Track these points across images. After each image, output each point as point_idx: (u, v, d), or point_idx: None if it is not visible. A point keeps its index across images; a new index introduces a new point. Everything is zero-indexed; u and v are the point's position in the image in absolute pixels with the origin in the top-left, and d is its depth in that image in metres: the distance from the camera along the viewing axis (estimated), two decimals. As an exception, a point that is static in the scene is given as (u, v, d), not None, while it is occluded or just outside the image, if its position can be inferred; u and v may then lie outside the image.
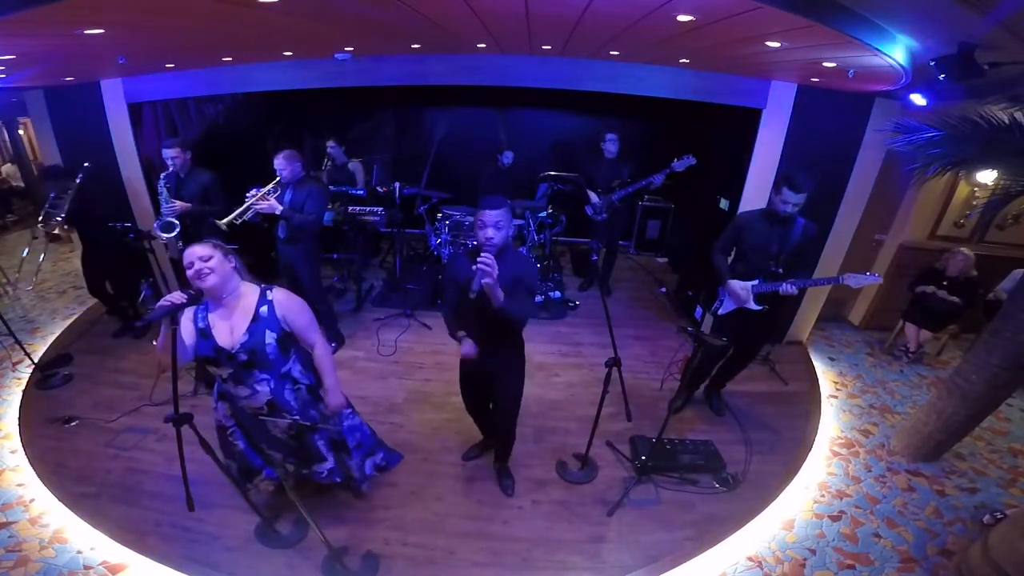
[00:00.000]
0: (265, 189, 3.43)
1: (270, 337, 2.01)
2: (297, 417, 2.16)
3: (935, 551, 2.64)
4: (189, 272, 1.91)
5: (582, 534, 2.65)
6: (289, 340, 2.11)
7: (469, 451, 3.12)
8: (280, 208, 3.41)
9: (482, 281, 2.04)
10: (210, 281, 1.91)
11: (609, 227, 4.98)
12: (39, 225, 3.80)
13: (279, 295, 2.08)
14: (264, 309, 2.02)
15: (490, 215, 2.13)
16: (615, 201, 4.77)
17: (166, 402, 3.33)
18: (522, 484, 2.93)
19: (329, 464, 2.36)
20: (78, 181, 3.77)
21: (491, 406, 2.72)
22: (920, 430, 3.24)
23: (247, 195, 3.43)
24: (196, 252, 1.92)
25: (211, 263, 1.91)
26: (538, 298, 4.76)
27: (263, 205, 3.39)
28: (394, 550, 2.50)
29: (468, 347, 2.34)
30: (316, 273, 3.86)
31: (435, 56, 3.96)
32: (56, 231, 3.78)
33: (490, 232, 2.13)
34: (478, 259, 2.00)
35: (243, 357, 1.98)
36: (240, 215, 3.41)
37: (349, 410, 2.42)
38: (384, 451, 2.66)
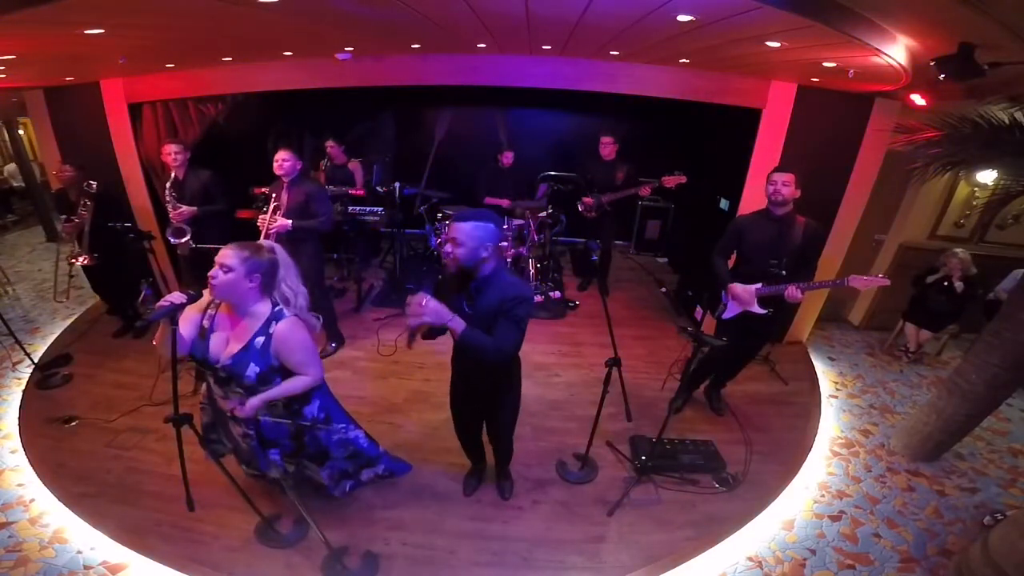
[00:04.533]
0: (271, 210, 3.44)
1: (251, 370, 1.92)
2: (286, 421, 2.15)
3: (935, 551, 2.64)
4: (211, 271, 1.87)
5: (582, 534, 2.65)
6: (274, 374, 1.99)
7: (467, 485, 2.88)
8: (290, 224, 3.41)
9: (410, 323, 1.86)
10: (217, 293, 1.88)
11: (600, 227, 4.97)
12: (71, 261, 3.90)
13: (282, 329, 1.93)
14: (259, 340, 1.92)
15: (451, 227, 1.93)
16: (604, 203, 4.77)
17: (166, 402, 3.32)
18: (522, 484, 2.93)
19: (273, 475, 2.33)
20: (91, 203, 3.78)
21: (485, 424, 2.62)
22: (920, 430, 3.24)
23: (259, 224, 3.44)
24: (222, 257, 1.85)
25: (228, 276, 1.83)
26: (537, 298, 4.76)
27: (277, 227, 3.40)
28: (394, 550, 2.50)
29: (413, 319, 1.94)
30: (321, 273, 3.86)
31: (435, 56, 3.96)
32: (86, 261, 3.86)
33: (448, 247, 1.95)
34: (410, 299, 1.83)
35: (222, 374, 1.96)
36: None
37: (344, 424, 2.38)
38: (387, 463, 2.61)
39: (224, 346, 1.94)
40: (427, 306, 1.83)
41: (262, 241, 1.99)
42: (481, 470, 2.93)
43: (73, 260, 3.89)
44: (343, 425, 2.38)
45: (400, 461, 2.69)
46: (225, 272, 1.83)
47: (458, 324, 1.91)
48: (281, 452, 2.24)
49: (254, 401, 1.97)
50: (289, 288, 1.99)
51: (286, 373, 2.03)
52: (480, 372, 2.23)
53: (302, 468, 2.41)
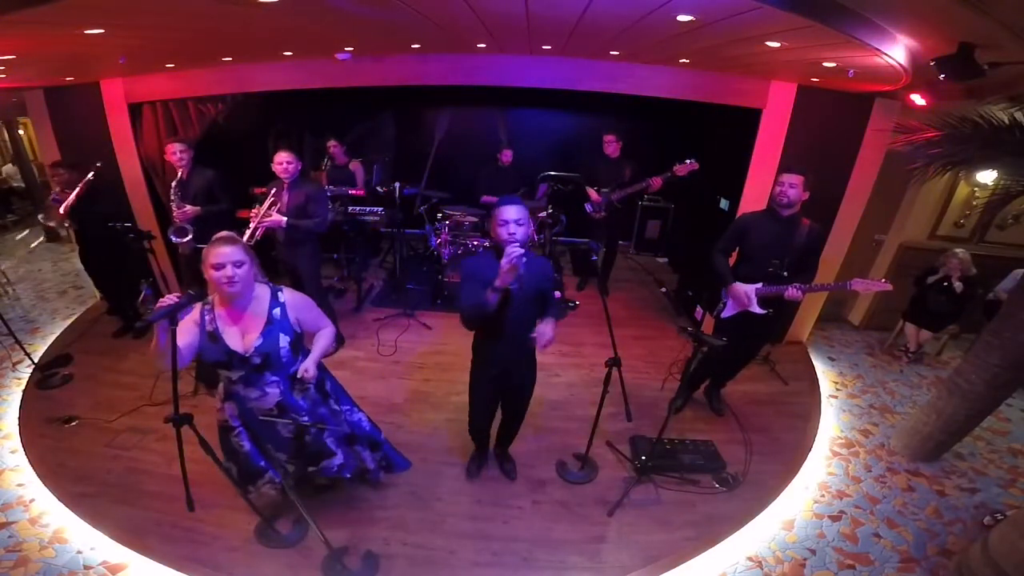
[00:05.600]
0: (266, 205, 3.43)
1: (284, 340, 2.01)
2: (307, 419, 2.16)
3: (935, 551, 2.64)
4: (217, 273, 1.85)
5: (582, 534, 2.65)
6: (300, 341, 2.12)
7: (471, 467, 2.98)
8: (284, 220, 3.41)
9: (513, 260, 2.02)
10: (237, 288, 1.89)
11: (607, 226, 4.97)
12: (40, 216, 3.81)
13: (288, 296, 2.08)
14: (277, 312, 2.02)
15: (512, 210, 2.12)
16: (614, 201, 4.76)
17: (166, 402, 3.32)
18: (522, 484, 2.93)
19: (339, 459, 2.36)
20: (84, 181, 3.77)
21: (509, 404, 2.77)
22: (920, 430, 3.24)
23: (251, 215, 3.44)
24: (230, 255, 1.85)
25: (243, 270, 1.88)
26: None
27: (269, 222, 3.40)
28: (394, 550, 2.50)
29: (514, 251, 2.05)
30: (318, 274, 3.86)
31: (435, 56, 3.96)
32: (55, 223, 3.80)
33: (512, 227, 2.11)
34: (508, 249, 2.02)
35: (256, 360, 1.97)
36: (252, 236, 3.37)
37: (348, 406, 2.42)
38: (387, 450, 2.63)
39: (241, 338, 1.96)
40: (548, 336, 2.27)
41: (221, 233, 1.97)
42: (484, 455, 3.00)
43: (48, 220, 3.80)
44: (348, 407, 2.42)
45: (400, 454, 2.70)
46: (240, 266, 1.88)
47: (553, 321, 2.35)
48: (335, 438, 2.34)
49: (309, 362, 2.05)
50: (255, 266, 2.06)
51: (301, 344, 2.14)
52: (521, 358, 2.47)
53: (354, 458, 2.48)
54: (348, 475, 2.45)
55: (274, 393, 2.07)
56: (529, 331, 2.30)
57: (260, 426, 2.19)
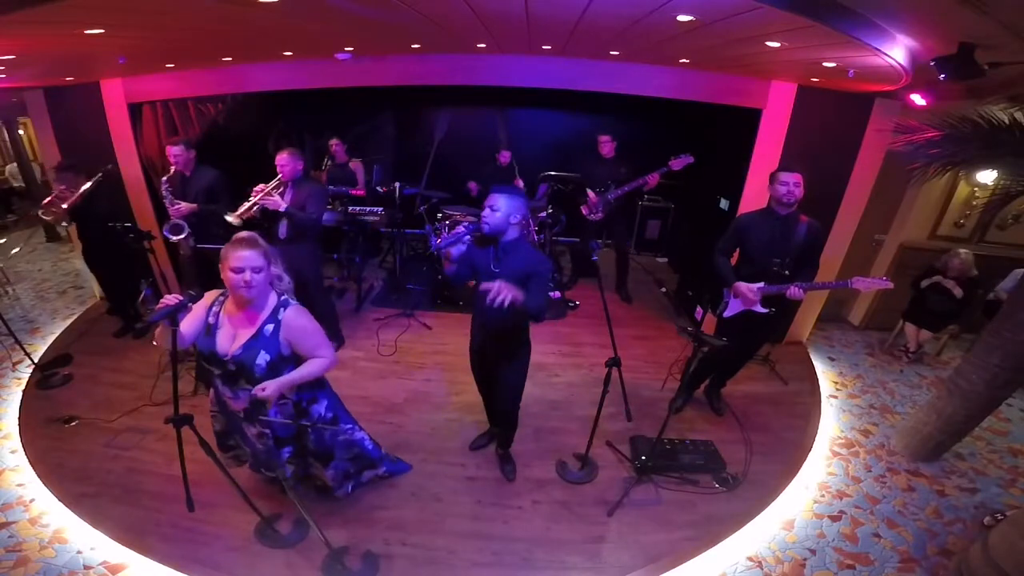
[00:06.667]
0: (270, 185, 3.43)
1: (262, 358, 1.93)
2: (289, 421, 2.15)
3: (935, 551, 2.64)
4: (235, 277, 1.82)
5: (582, 534, 2.65)
6: (283, 363, 2.00)
7: (476, 440, 3.19)
8: (284, 205, 3.41)
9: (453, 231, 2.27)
10: (253, 294, 1.87)
11: (607, 227, 4.95)
12: (39, 212, 3.77)
13: (290, 315, 1.97)
14: (269, 328, 1.95)
15: (492, 196, 2.26)
16: (611, 200, 4.76)
17: (166, 402, 3.33)
18: (522, 484, 2.93)
19: (285, 476, 2.33)
20: (94, 180, 3.78)
21: (493, 390, 2.81)
22: (920, 430, 3.24)
23: (253, 191, 3.42)
24: (249, 259, 1.83)
25: (260, 276, 1.86)
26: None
27: (268, 201, 3.39)
28: (394, 550, 2.50)
29: (458, 228, 2.39)
30: (320, 274, 3.85)
31: (435, 56, 3.96)
32: (53, 219, 3.81)
33: (486, 211, 2.25)
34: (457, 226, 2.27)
35: (231, 367, 1.95)
36: (247, 210, 3.40)
37: (350, 425, 2.41)
38: (388, 465, 2.65)
39: (231, 341, 1.95)
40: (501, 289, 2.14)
41: (243, 235, 1.94)
42: (494, 433, 3.10)
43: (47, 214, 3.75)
44: (349, 426, 2.41)
45: (400, 462, 2.71)
46: (258, 272, 1.85)
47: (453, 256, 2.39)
48: (291, 451, 2.27)
49: (273, 383, 1.92)
50: (277, 267, 2.01)
51: (296, 364, 2.05)
52: (499, 332, 2.48)
53: (308, 467, 2.42)
54: (285, 493, 2.41)
55: (242, 401, 2.05)
56: (504, 315, 2.25)
57: (230, 417, 2.22)
